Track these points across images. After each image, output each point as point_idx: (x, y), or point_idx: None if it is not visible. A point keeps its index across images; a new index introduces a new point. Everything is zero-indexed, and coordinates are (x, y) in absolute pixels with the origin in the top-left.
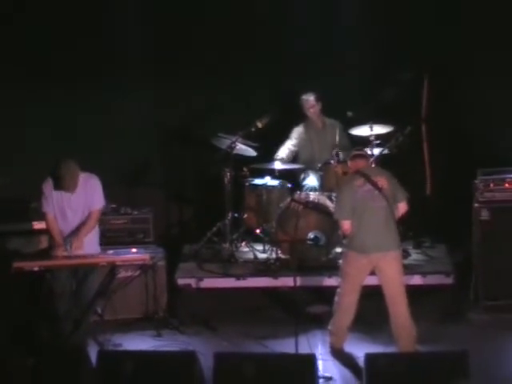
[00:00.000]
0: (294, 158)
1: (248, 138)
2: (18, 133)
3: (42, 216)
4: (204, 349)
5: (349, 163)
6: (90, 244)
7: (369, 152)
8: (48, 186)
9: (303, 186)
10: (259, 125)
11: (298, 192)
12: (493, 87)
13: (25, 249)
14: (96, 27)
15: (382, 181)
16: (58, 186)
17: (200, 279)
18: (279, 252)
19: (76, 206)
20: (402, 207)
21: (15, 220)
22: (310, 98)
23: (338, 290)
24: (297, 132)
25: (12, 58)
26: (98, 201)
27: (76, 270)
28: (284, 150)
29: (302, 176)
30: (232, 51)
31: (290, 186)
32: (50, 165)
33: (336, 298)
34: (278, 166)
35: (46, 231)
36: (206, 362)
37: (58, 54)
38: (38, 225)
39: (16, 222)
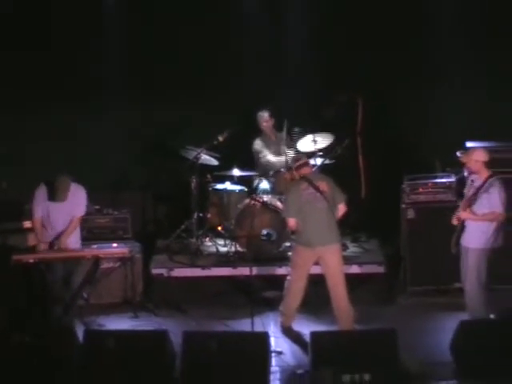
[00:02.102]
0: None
1: (211, 150)
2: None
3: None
4: (175, 328)
5: (294, 171)
6: (73, 242)
7: (312, 161)
8: (41, 192)
9: (257, 189)
10: (220, 139)
11: (254, 195)
12: (415, 106)
13: (21, 244)
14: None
15: (323, 185)
16: (52, 196)
17: (171, 269)
18: (237, 246)
19: (60, 210)
20: (342, 208)
21: (13, 219)
22: (264, 114)
23: (288, 277)
24: (258, 144)
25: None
26: (80, 209)
27: (65, 262)
28: (270, 159)
29: (257, 181)
30: (199, 80)
31: (246, 189)
32: (41, 171)
33: (286, 284)
34: (236, 173)
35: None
36: (177, 339)
37: (49, 72)
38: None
39: (14, 221)
